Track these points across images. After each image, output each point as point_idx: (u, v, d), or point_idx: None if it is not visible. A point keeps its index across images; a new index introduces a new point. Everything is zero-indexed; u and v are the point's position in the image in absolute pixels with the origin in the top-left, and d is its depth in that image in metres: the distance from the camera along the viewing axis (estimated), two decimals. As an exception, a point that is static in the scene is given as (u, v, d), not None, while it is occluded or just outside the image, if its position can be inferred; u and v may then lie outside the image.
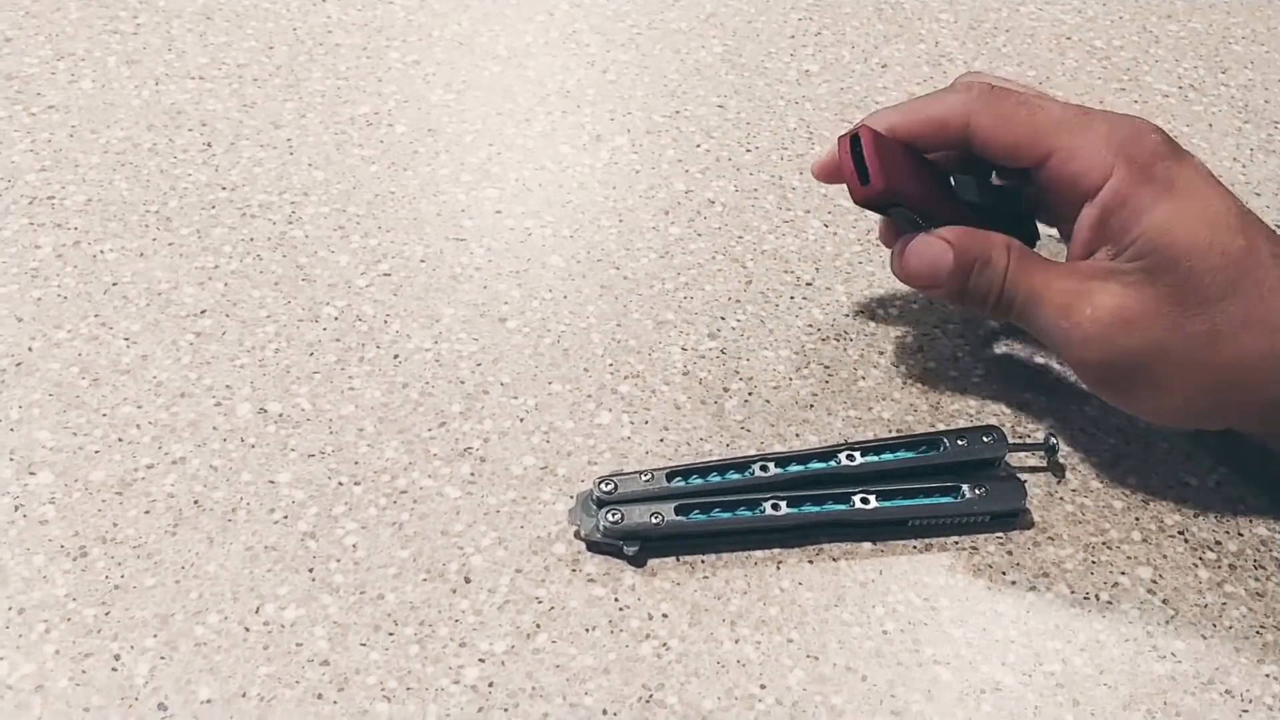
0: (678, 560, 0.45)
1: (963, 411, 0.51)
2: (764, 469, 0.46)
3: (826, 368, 0.52)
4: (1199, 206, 0.44)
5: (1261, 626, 0.44)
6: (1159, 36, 0.74)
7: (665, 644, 0.42)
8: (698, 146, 0.63)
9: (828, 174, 0.50)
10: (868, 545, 0.46)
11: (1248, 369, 0.43)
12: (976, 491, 0.46)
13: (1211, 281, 0.43)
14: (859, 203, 0.47)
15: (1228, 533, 0.47)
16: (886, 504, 0.45)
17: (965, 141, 0.47)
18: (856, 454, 0.46)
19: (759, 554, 0.45)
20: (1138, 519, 0.47)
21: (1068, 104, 0.47)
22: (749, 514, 0.45)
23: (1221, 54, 0.73)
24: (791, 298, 0.55)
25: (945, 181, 0.50)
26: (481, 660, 0.41)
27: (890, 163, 0.46)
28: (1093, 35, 0.73)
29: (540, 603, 0.43)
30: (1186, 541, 0.47)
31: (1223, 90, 0.70)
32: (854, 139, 0.46)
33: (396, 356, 0.51)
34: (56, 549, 0.44)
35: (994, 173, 0.50)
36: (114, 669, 0.40)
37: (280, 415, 0.48)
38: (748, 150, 0.63)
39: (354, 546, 0.44)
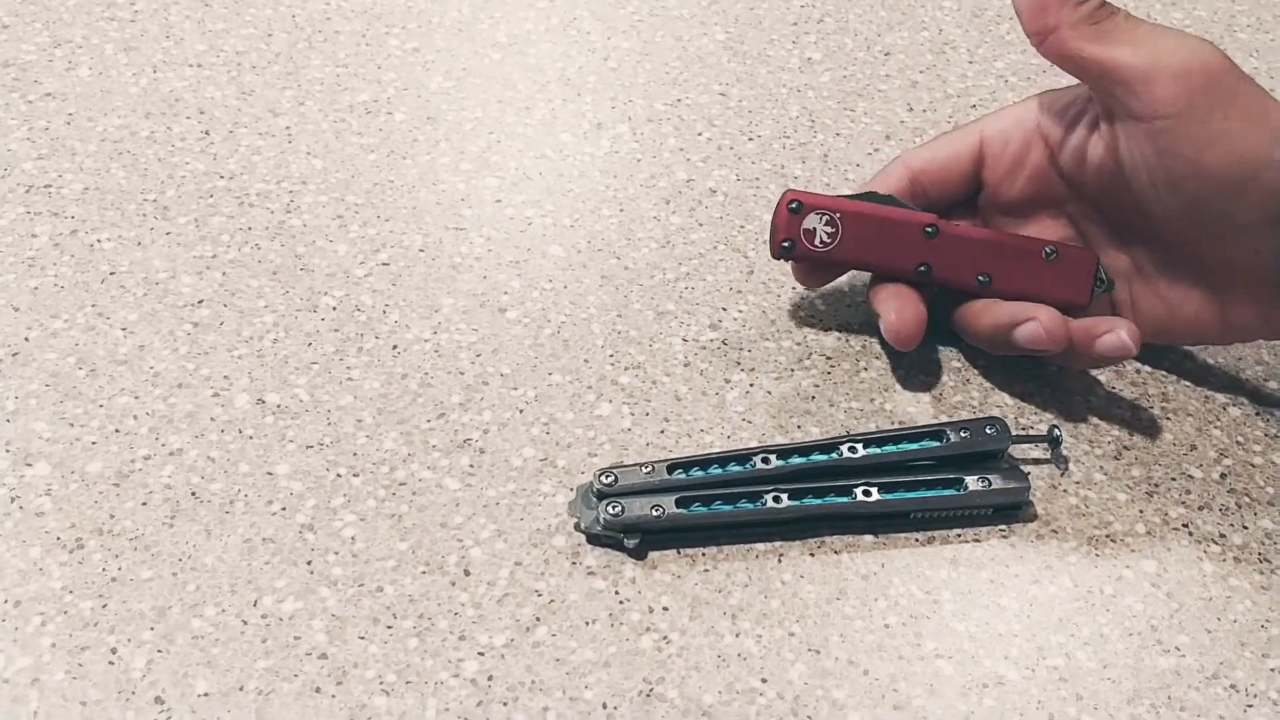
0: (678, 553, 0.44)
1: (965, 403, 0.50)
2: (765, 461, 0.45)
3: (828, 359, 0.52)
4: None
5: (1266, 620, 0.44)
6: (1165, 25, 0.73)
7: (666, 637, 0.42)
8: (699, 135, 0.63)
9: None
10: (870, 538, 0.45)
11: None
12: (979, 484, 0.45)
13: (1236, 80, 0.45)
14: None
15: (1232, 526, 0.47)
16: (889, 496, 0.45)
17: (928, 186, 0.51)
18: (859, 446, 0.46)
19: (760, 547, 0.45)
20: (1142, 512, 0.47)
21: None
22: (750, 506, 0.44)
23: (1227, 42, 0.72)
24: (794, 288, 0.55)
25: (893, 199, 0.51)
26: (481, 653, 0.41)
27: (811, 246, 0.50)
28: (1097, 23, 0.73)
29: (540, 596, 0.43)
30: (1191, 535, 0.46)
31: (1228, 78, 0.69)
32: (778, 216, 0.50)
33: (395, 347, 0.51)
34: (53, 541, 0.43)
35: None
36: (111, 662, 0.40)
37: (278, 406, 0.48)
38: (750, 139, 0.63)
39: (352, 539, 0.44)
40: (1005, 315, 0.48)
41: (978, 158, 0.51)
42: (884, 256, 0.49)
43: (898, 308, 0.49)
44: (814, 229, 0.48)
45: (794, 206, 0.48)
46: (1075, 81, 0.48)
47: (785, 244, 0.49)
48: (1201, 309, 0.48)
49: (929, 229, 0.49)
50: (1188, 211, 0.46)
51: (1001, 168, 0.51)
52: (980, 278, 0.49)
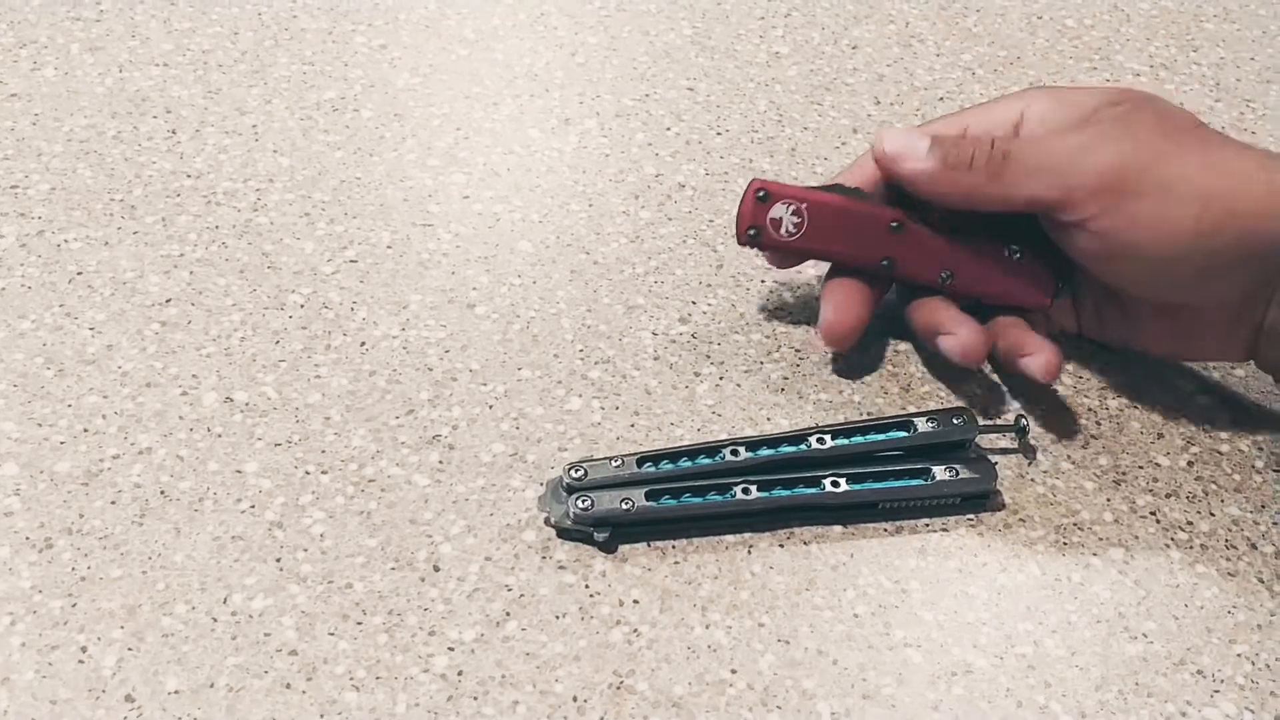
0: (648, 546, 0.44)
1: (933, 393, 0.50)
2: (734, 453, 0.46)
3: (797, 351, 0.52)
4: (1128, 92, 0.48)
5: (1233, 606, 0.44)
6: (1130, 15, 0.74)
7: (636, 630, 0.42)
8: (668, 130, 0.63)
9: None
10: (838, 528, 0.45)
11: (1235, 182, 0.44)
12: (947, 474, 0.46)
13: (1181, 119, 0.46)
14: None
15: (1199, 513, 0.47)
16: (857, 487, 0.45)
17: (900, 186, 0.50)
18: (827, 437, 0.46)
19: (730, 539, 0.45)
20: (1109, 500, 0.47)
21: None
22: (720, 499, 0.45)
23: (1193, 32, 0.73)
24: (763, 281, 0.55)
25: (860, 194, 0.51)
26: (451, 648, 0.41)
27: (777, 232, 0.49)
28: (1064, 14, 0.73)
29: (510, 590, 0.43)
30: (1158, 522, 0.47)
31: (1194, 69, 0.70)
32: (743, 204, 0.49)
33: (363, 344, 0.51)
34: (22, 541, 0.43)
35: None
36: (81, 661, 0.40)
37: (247, 404, 0.48)
38: (718, 133, 0.63)
39: (321, 536, 0.44)
40: (932, 321, 0.49)
41: None
42: (849, 248, 0.49)
43: (837, 305, 0.49)
44: (780, 218, 0.49)
45: (761, 195, 0.48)
46: (1063, 84, 0.49)
47: (751, 232, 0.49)
48: (1167, 334, 0.49)
49: (894, 224, 0.49)
50: (1138, 279, 0.47)
51: None
52: (943, 275, 0.49)
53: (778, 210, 0.48)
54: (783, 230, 0.49)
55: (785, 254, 0.51)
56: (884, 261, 0.49)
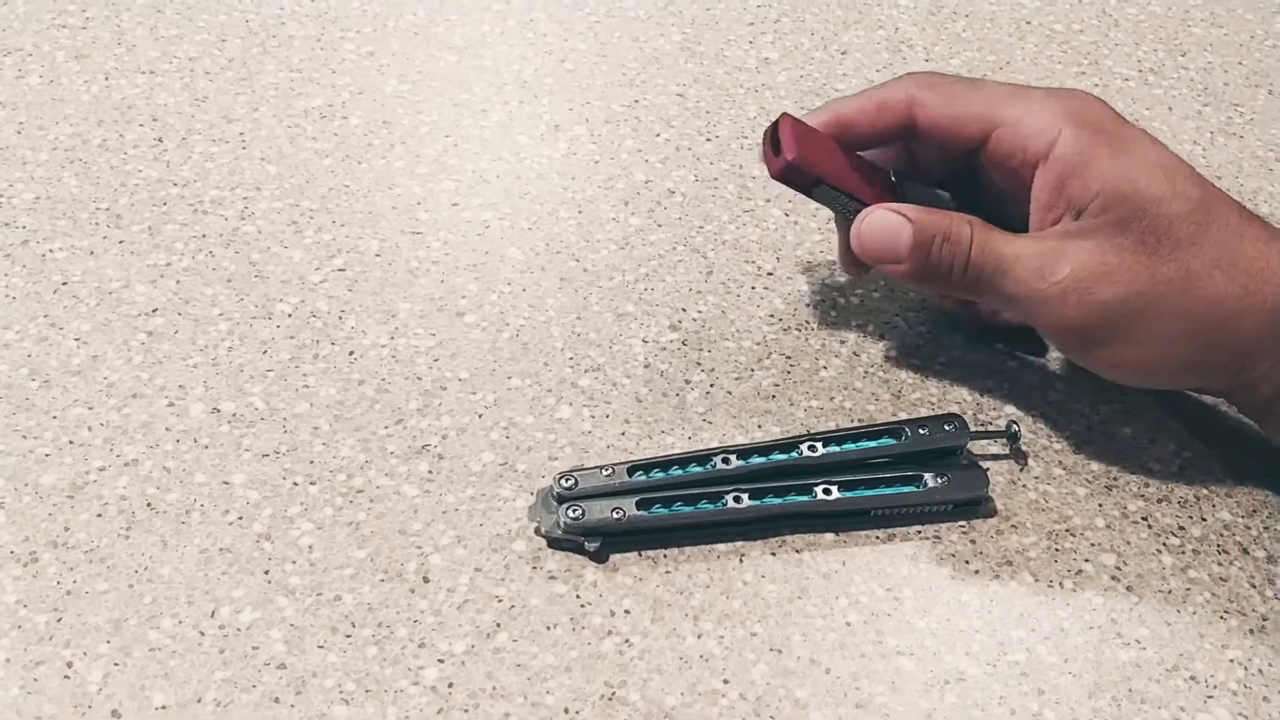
0: (640, 555, 0.44)
1: (924, 400, 0.50)
2: (726, 461, 0.45)
3: (788, 358, 0.52)
4: (1154, 159, 0.45)
5: (1225, 612, 0.44)
6: (1118, 20, 0.74)
7: (627, 640, 0.42)
8: (657, 136, 0.62)
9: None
10: (830, 536, 0.45)
11: (1221, 310, 0.43)
12: (939, 480, 0.46)
13: (1179, 226, 0.44)
14: (776, 176, 0.48)
15: (1191, 518, 0.47)
16: (849, 494, 0.45)
17: (910, 124, 0.48)
18: (818, 445, 0.46)
19: (721, 547, 0.45)
20: (1101, 505, 0.47)
21: (1010, 83, 0.49)
22: (711, 507, 0.44)
23: (1181, 37, 0.73)
24: (753, 288, 0.55)
25: (887, 179, 0.50)
26: (441, 661, 0.41)
27: (810, 142, 0.47)
28: (1052, 19, 0.73)
29: (500, 601, 0.42)
30: (1150, 528, 0.46)
31: (1182, 73, 0.70)
32: (774, 125, 0.48)
33: (352, 353, 0.50)
34: (6, 555, 0.43)
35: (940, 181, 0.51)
36: (66, 676, 0.40)
37: (234, 415, 0.48)
38: (708, 139, 0.62)
39: (310, 547, 0.44)
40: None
41: (979, 143, 0.48)
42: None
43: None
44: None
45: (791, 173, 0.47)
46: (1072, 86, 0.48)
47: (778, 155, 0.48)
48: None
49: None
50: (1109, 376, 0.48)
51: (995, 172, 0.48)
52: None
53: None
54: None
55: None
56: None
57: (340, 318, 0.52)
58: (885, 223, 0.46)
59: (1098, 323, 0.44)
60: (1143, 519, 0.47)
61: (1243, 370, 0.45)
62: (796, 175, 0.47)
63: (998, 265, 0.45)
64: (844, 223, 0.49)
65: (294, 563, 0.43)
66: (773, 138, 0.47)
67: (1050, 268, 0.44)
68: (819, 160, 0.47)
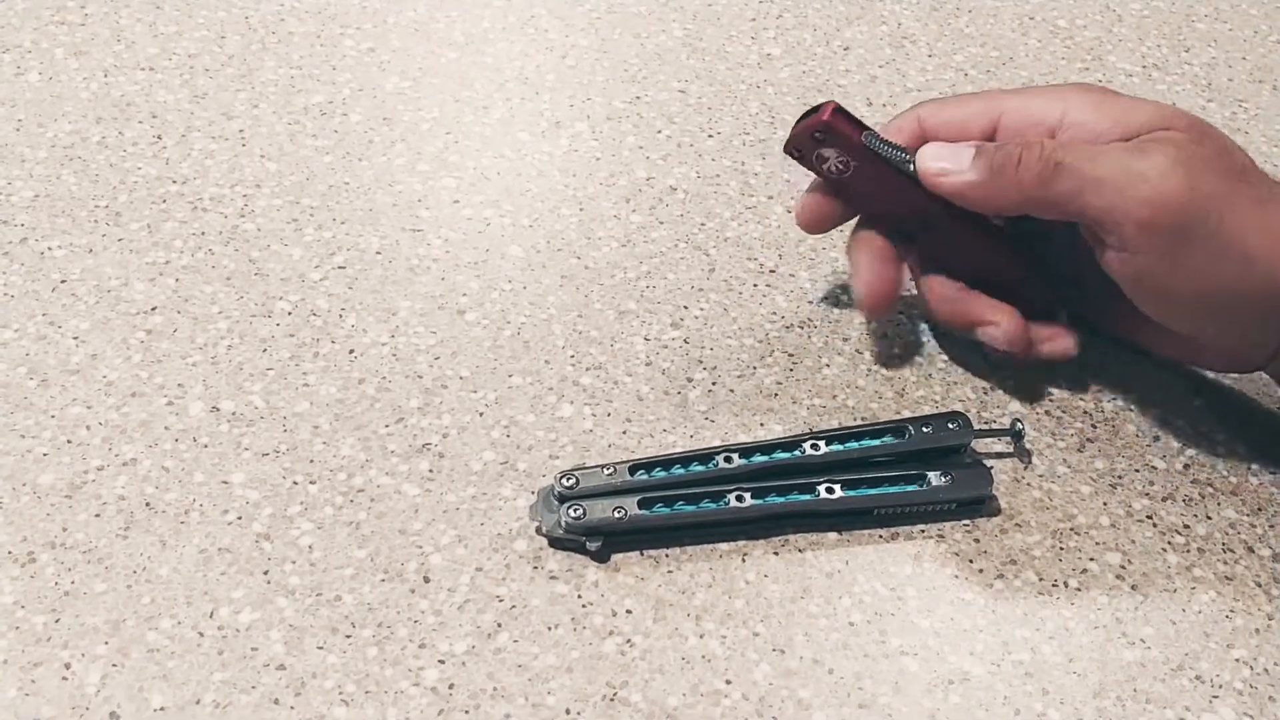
0: (641, 555, 0.44)
1: (928, 398, 0.50)
2: (728, 460, 0.45)
3: (791, 356, 0.51)
4: (1175, 110, 0.46)
5: (1231, 610, 0.44)
6: (1122, 15, 0.73)
7: (629, 640, 0.41)
8: (659, 132, 0.62)
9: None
10: (833, 535, 0.45)
11: None
12: (943, 479, 0.45)
13: (1239, 156, 0.44)
14: (825, 123, 0.47)
15: (1196, 516, 0.47)
16: (852, 493, 0.45)
17: (925, 139, 0.48)
18: (821, 443, 0.46)
19: (724, 547, 0.44)
20: (1105, 504, 0.47)
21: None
22: (713, 506, 0.44)
23: (1185, 32, 0.72)
24: (755, 285, 0.54)
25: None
26: (441, 661, 0.40)
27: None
28: (1056, 15, 0.73)
29: (501, 601, 0.42)
30: (1155, 526, 0.46)
31: (1186, 69, 0.69)
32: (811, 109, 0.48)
33: (352, 351, 0.50)
34: (4, 555, 0.42)
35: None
36: (64, 678, 0.39)
37: (233, 414, 0.47)
38: (710, 136, 0.62)
39: (310, 547, 0.43)
40: (967, 312, 0.49)
41: (990, 134, 0.48)
42: (885, 207, 0.49)
43: (867, 268, 0.49)
44: (828, 158, 0.47)
45: (819, 136, 0.47)
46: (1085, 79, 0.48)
47: (796, 152, 0.48)
48: (1175, 342, 0.49)
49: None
50: (1160, 310, 0.46)
51: None
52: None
53: (828, 152, 0.47)
54: (826, 168, 0.48)
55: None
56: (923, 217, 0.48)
57: (340, 316, 0.51)
58: (949, 146, 0.46)
59: (1189, 208, 0.42)
60: (1148, 517, 0.46)
61: None
62: (841, 124, 0.47)
63: (1081, 153, 0.44)
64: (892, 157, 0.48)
65: (294, 563, 0.43)
66: (809, 112, 0.48)
67: (1137, 161, 0.43)
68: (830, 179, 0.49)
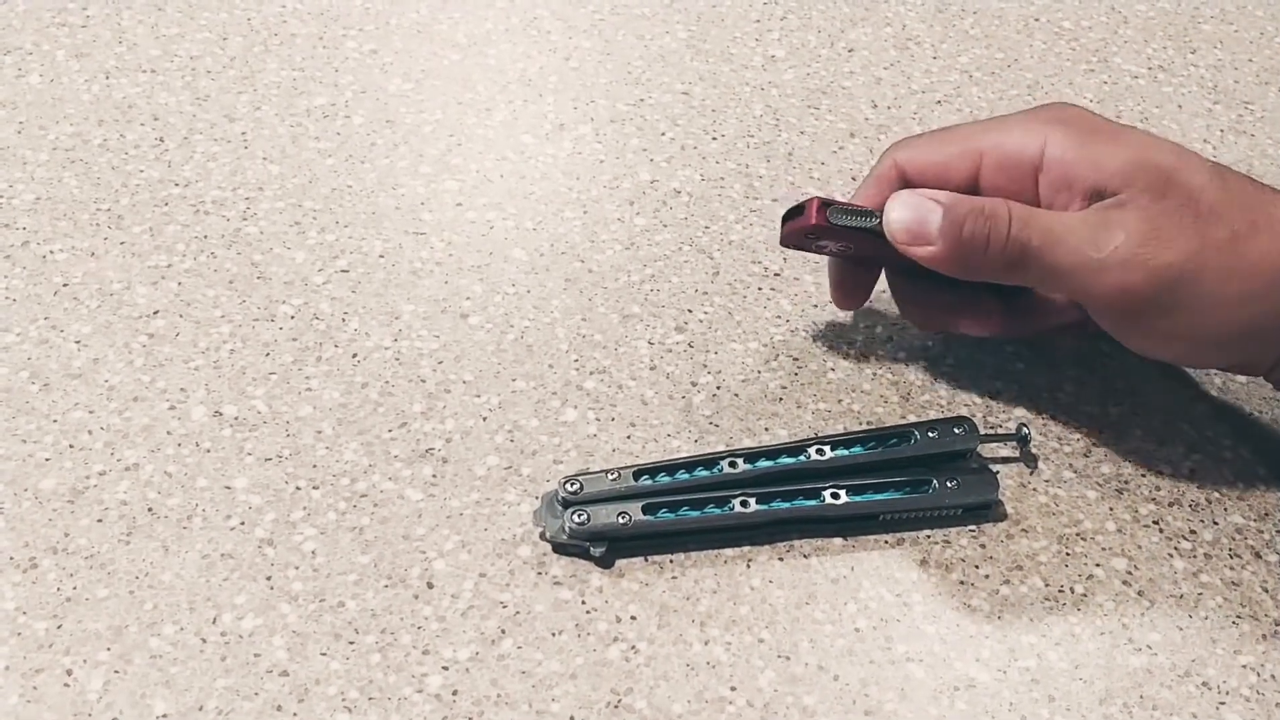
0: (646, 561, 0.44)
1: (933, 403, 0.50)
2: (732, 465, 0.45)
3: (795, 360, 0.51)
4: (1150, 140, 0.45)
5: (1238, 616, 0.43)
6: (1128, 17, 0.73)
7: (634, 647, 0.41)
8: (662, 135, 0.62)
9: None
10: (839, 541, 0.45)
11: (1273, 268, 0.43)
12: (948, 484, 0.45)
13: (1207, 192, 0.43)
14: (811, 227, 0.47)
15: (1203, 521, 0.46)
16: (857, 499, 0.45)
17: (907, 185, 0.48)
18: (826, 448, 0.46)
19: (728, 552, 0.44)
20: (1112, 509, 0.47)
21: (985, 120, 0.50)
22: (718, 512, 0.44)
23: (1190, 34, 0.72)
24: (759, 289, 0.54)
25: None
26: (445, 668, 0.40)
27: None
28: (1061, 16, 0.73)
29: (505, 607, 0.42)
30: (1161, 531, 0.46)
31: (1192, 71, 0.69)
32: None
33: (355, 355, 0.50)
34: (5, 561, 0.42)
35: None
36: (66, 684, 0.39)
37: (236, 418, 0.47)
38: (713, 138, 0.62)
39: (313, 553, 0.43)
40: (940, 308, 0.49)
41: (973, 176, 0.47)
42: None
43: (836, 268, 0.50)
44: (826, 244, 0.48)
45: (811, 235, 0.47)
46: (1061, 87, 0.47)
47: (794, 247, 0.49)
48: (1177, 349, 0.48)
49: None
50: (1148, 354, 0.47)
51: (997, 193, 0.47)
52: None
53: (825, 241, 0.48)
54: (828, 250, 0.49)
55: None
56: None
57: (343, 320, 0.51)
58: (916, 199, 0.45)
59: (1156, 289, 0.43)
60: (1154, 523, 0.46)
61: None
62: (821, 225, 0.47)
63: (1046, 237, 0.43)
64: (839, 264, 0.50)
65: (296, 568, 0.43)
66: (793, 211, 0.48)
67: (1104, 236, 0.43)
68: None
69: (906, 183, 0.48)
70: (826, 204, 0.46)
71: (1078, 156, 0.45)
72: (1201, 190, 0.43)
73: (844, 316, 0.53)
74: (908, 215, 0.45)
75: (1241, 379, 0.52)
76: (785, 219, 0.47)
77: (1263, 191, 0.44)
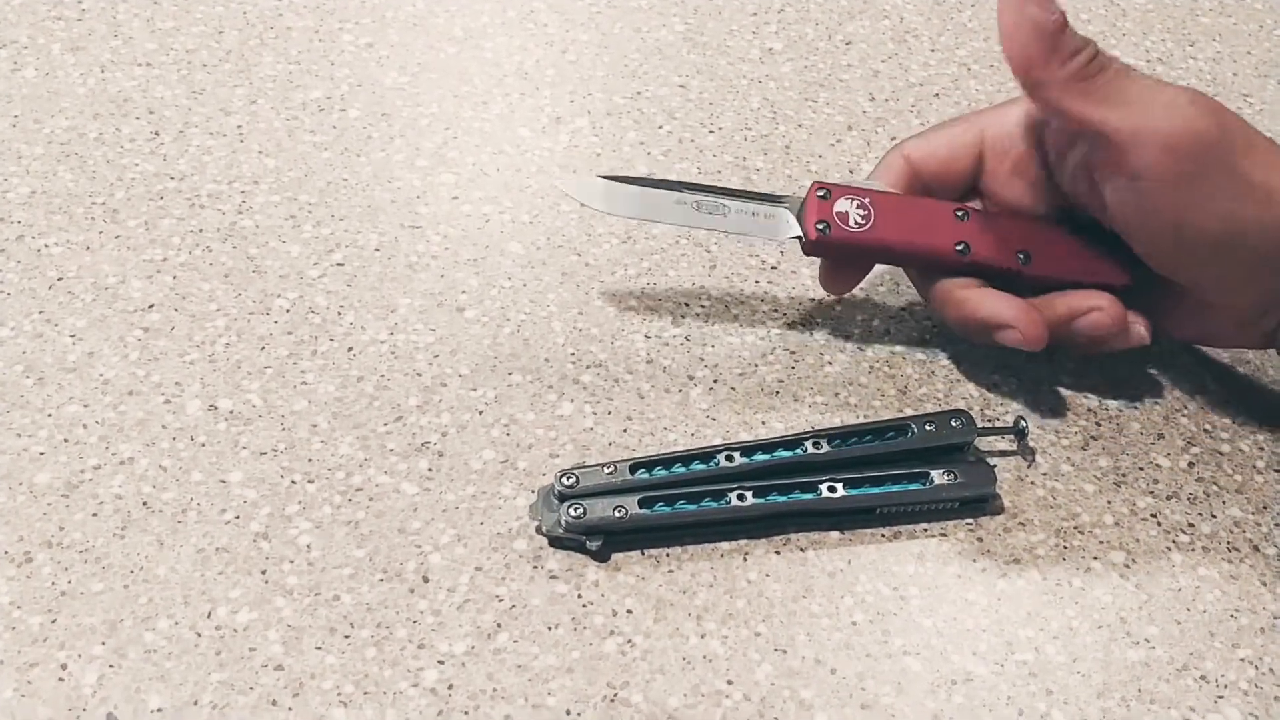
0: (642, 554, 0.44)
1: (930, 395, 0.50)
2: (729, 459, 0.45)
3: (792, 353, 0.51)
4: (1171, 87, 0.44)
5: (1236, 610, 0.43)
6: (1126, 9, 0.73)
7: (630, 641, 0.41)
8: (660, 128, 0.62)
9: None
10: (835, 535, 0.45)
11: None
12: (945, 477, 0.45)
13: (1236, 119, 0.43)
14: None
15: (1200, 515, 0.46)
16: (854, 492, 0.44)
17: (929, 180, 0.49)
18: (823, 441, 0.45)
19: (725, 546, 0.44)
20: (1110, 502, 0.46)
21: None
22: (714, 505, 0.44)
23: (1189, 26, 0.72)
24: (756, 282, 0.54)
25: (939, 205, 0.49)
26: (441, 662, 0.40)
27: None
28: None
29: (501, 601, 0.42)
30: (1159, 524, 0.46)
31: (1191, 63, 0.69)
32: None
33: (351, 349, 0.50)
34: (0, 555, 0.42)
35: None
36: (61, 678, 0.39)
37: (231, 412, 0.47)
38: (711, 131, 0.62)
39: (308, 547, 0.43)
40: (984, 314, 0.47)
41: (978, 157, 0.49)
42: (921, 237, 0.48)
43: (1008, 309, 0.47)
44: (846, 211, 0.47)
45: (823, 194, 0.48)
46: None
47: (820, 226, 0.47)
48: (1182, 316, 0.48)
49: (959, 212, 0.48)
50: (1167, 259, 0.45)
51: (1002, 172, 0.49)
52: (1020, 255, 0.47)
53: (842, 205, 0.47)
54: (851, 223, 0.48)
55: (851, 258, 0.50)
56: (958, 246, 0.47)
57: (339, 313, 0.51)
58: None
59: (1214, 140, 0.42)
60: (1152, 516, 0.46)
61: None
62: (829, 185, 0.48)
63: (1121, 70, 0.44)
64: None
65: (292, 562, 0.42)
66: (815, 218, 0.48)
67: (1170, 88, 0.43)
68: (861, 240, 0.48)
69: (914, 172, 0.49)
70: (822, 188, 0.48)
71: (1099, 77, 0.44)
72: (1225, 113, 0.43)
73: (841, 310, 0.53)
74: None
75: (1240, 369, 0.51)
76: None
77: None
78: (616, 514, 0.43)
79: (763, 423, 0.48)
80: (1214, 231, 0.43)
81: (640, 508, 0.43)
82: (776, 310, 0.53)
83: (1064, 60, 0.43)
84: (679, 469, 0.45)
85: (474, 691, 0.39)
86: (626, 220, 0.56)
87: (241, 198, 0.56)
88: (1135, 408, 0.50)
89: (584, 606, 0.42)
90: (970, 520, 0.45)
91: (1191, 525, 0.46)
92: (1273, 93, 0.67)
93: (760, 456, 0.45)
